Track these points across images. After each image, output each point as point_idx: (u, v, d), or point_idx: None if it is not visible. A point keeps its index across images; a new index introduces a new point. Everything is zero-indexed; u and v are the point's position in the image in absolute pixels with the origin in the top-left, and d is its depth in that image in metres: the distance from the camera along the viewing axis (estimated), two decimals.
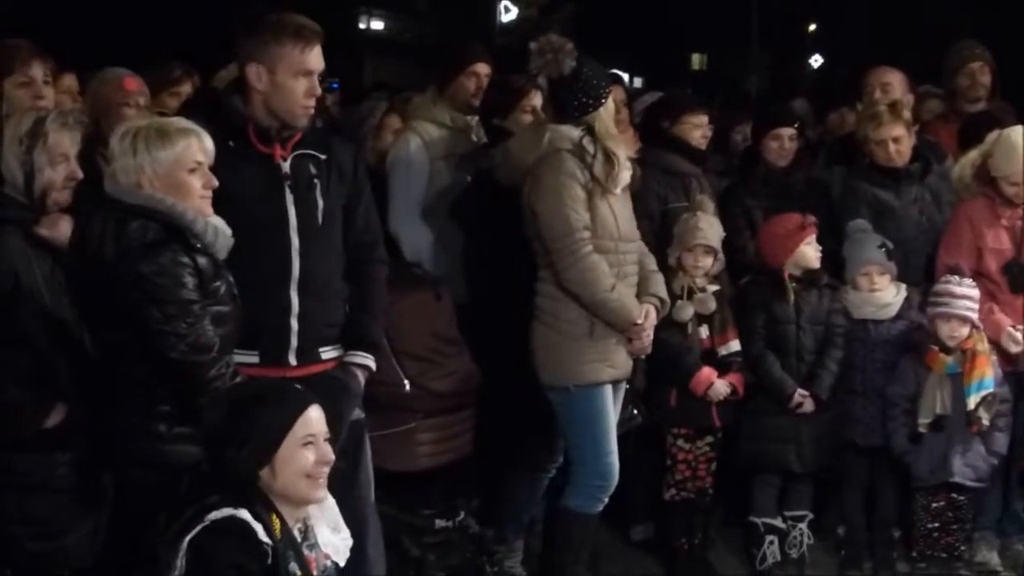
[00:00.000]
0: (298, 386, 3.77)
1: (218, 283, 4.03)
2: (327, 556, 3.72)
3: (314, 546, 3.68)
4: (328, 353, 4.61)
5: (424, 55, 11.34)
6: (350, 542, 3.82)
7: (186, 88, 6.16)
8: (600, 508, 5.41)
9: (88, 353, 4.13)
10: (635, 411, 5.59)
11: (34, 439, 4.11)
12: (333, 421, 3.73)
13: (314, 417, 3.59)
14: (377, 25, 12.28)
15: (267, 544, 3.41)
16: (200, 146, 4.04)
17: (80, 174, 4.26)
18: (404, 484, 5.46)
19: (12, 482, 4.12)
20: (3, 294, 4.09)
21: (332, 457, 3.61)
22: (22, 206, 4.16)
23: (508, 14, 12.47)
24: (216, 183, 4.04)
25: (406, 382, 5.34)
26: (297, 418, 3.55)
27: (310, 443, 3.56)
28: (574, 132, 5.18)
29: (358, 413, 4.67)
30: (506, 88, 5.85)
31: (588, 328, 5.21)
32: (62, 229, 4.24)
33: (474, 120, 6.11)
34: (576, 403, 5.24)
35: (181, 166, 4.00)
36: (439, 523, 5.62)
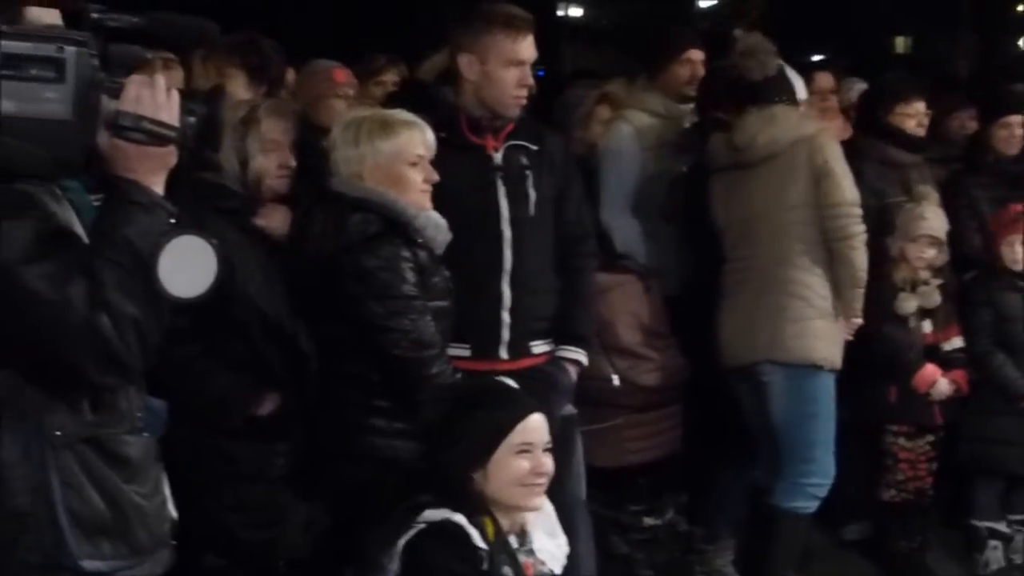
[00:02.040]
0: (520, 391, 3.68)
1: (436, 278, 4.01)
2: (542, 562, 3.63)
3: (530, 552, 3.60)
4: (539, 347, 4.55)
5: (622, 42, 11.21)
6: (567, 549, 3.72)
7: (390, 78, 6.16)
8: (814, 507, 5.27)
9: (301, 345, 4.13)
10: None
11: (249, 428, 4.12)
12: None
13: (534, 425, 3.48)
14: (575, 12, 12.22)
15: (482, 549, 3.34)
16: (422, 139, 4.01)
17: (293, 162, 4.26)
18: (611, 480, 5.38)
19: (228, 471, 4.13)
20: (218, 283, 4.10)
21: (550, 468, 3.50)
22: (239, 196, 4.17)
23: (706, 0, 12.28)
24: (436, 177, 4.01)
25: (615, 377, 5.27)
26: (515, 425, 3.44)
27: (526, 451, 3.45)
28: None
29: (569, 409, 4.61)
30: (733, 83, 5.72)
31: (835, 308, 5.12)
32: (278, 220, 4.25)
33: (687, 108, 5.99)
34: (814, 387, 5.12)
35: (403, 159, 3.98)
36: (647, 520, 5.54)
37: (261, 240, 4.20)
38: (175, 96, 2.45)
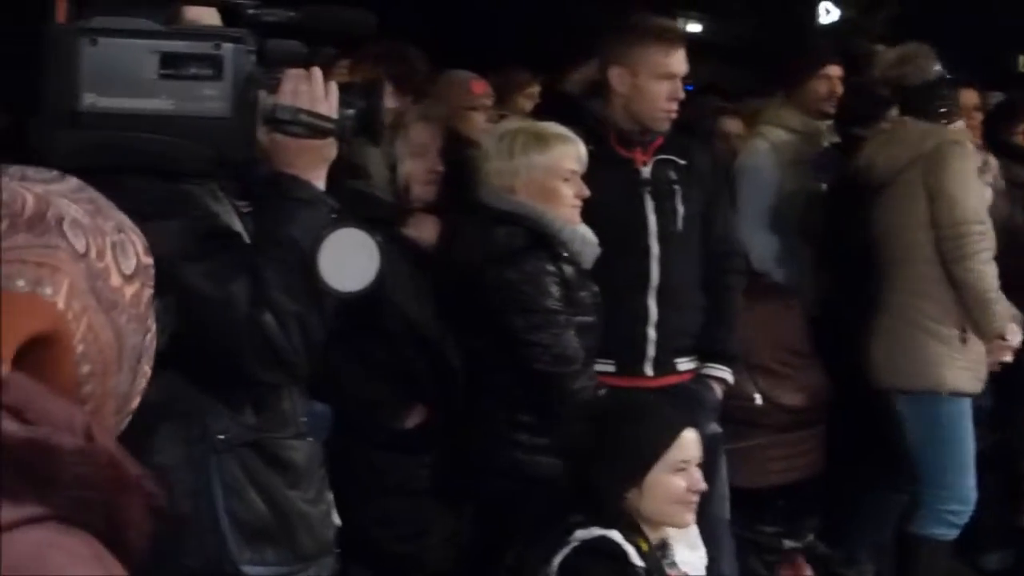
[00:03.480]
0: (672, 407, 3.64)
1: (583, 293, 3.98)
2: (685, 575, 3.59)
3: (673, 564, 3.56)
4: (684, 364, 4.50)
5: (741, 57, 11.12)
6: (706, 560, 3.68)
7: (535, 90, 6.15)
8: (954, 535, 5.16)
9: (448, 357, 4.12)
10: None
11: (395, 439, 4.11)
12: None
13: (689, 441, 3.43)
14: (694, 28, 12.12)
15: (640, 567, 3.30)
16: (576, 154, 3.98)
17: (441, 167, 4.24)
18: (749, 500, 5.31)
19: (373, 482, 4.13)
20: (368, 293, 4.10)
21: (704, 485, 3.45)
22: (389, 205, 4.16)
23: (828, 15, 12.12)
24: (587, 193, 3.98)
25: (757, 396, 5.20)
26: (671, 442, 3.39)
27: (682, 469, 3.40)
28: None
29: (714, 427, 4.55)
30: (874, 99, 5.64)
31: (959, 331, 4.98)
32: (428, 230, 4.24)
33: (825, 125, 5.92)
34: (939, 414, 5.00)
35: (557, 173, 3.95)
36: (786, 543, 5.45)
37: (411, 250, 4.19)
38: (333, 89, 2.44)
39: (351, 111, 2.44)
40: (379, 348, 4.12)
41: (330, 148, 2.45)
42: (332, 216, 2.44)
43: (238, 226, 2.51)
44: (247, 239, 2.48)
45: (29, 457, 1.14)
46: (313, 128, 2.37)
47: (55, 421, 1.18)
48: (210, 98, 2.26)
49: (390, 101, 4.75)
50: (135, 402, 1.40)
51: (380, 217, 4.13)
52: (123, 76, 2.22)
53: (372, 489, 4.13)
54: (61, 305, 1.26)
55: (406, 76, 4.92)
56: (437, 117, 4.46)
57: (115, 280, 1.33)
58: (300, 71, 2.39)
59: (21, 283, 1.24)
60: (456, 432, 4.09)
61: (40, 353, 1.25)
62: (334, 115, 2.40)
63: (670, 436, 3.40)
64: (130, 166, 2.28)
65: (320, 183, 2.46)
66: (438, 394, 4.13)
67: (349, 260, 2.35)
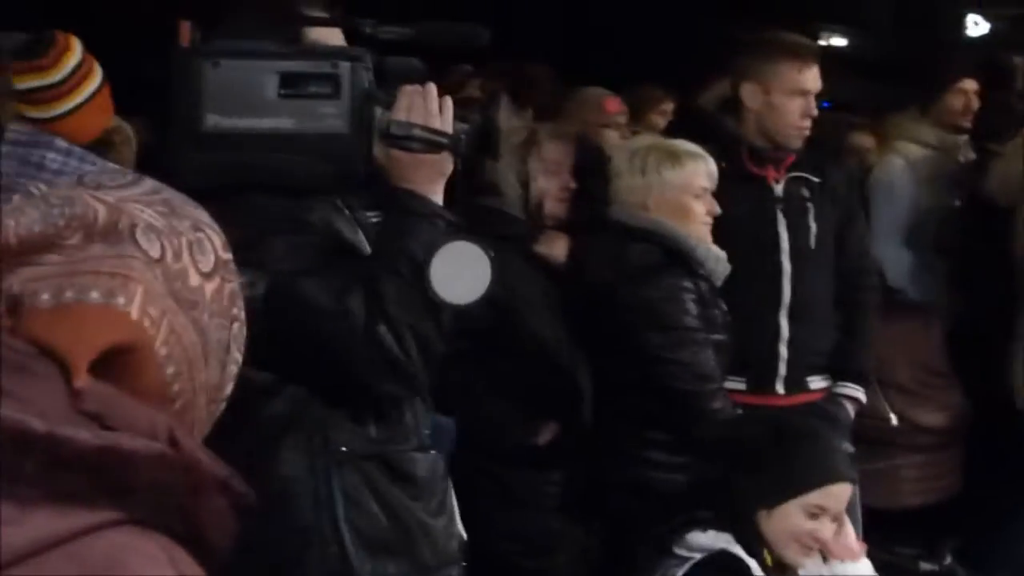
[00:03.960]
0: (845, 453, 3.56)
1: (715, 311, 3.96)
2: None
3: None
4: (816, 383, 4.45)
5: (886, 72, 10.94)
6: None
7: (669, 107, 6.15)
8: None
9: (578, 374, 4.12)
10: None
11: (526, 455, 4.13)
12: None
13: (836, 494, 3.31)
14: (839, 42, 11.96)
15: None
16: (707, 171, 3.97)
17: (573, 185, 4.26)
18: (886, 522, 5.23)
19: (502, 497, 4.15)
20: (499, 310, 4.13)
21: (828, 539, 3.36)
22: (521, 222, 4.19)
23: (976, 28, 11.88)
24: (719, 210, 3.96)
25: (892, 416, 5.13)
26: (821, 486, 3.33)
27: (816, 515, 3.34)
28: None
29: (846, 447, 4.48)
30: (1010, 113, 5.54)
31: None
32: (559, 248, 4.26)
33: (962, 140, 5.81)
34: None
35: (688, 190, 3.94)
36: (923, 566, 5.36)
37: (543, 268, 4.20)
38: (448, 103, 2.47)
39: (466, 126, 2.46)
40: (511, 365, 4.13)
41: (446, 163, 2.48)
42: (449, 229, 2.46)
43: (362, 239, 2.55)
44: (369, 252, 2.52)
45: (104, 463, 1.17)
46: (428, 143, 2.40)
47: (136, 427, 1.21)
48: (328, 116, 2.30)
49: (511, 117, 4.79)
50: (228, 389, 1.41)
51: (512, 234, 4.17)
52: (244, 97, 2.28)
53: (501, 504, 4.15)
54: (135, 314, 1.27)
55: (529, 92, 4.95)
56: (570, 135, 4.48)
57: (194, 279, 1.34)
58: (415, 87, 2.43)
59: (95, 295, 1.25)
60: (586, 449, 4.10)
61: (121, 361, 1.27)
62: (449, 129, 2.43)
63: (822, 479, 3.33)
64: (252, 184, 2.34)
65: (436, 197, 2.48)
66: (569, 411, 4.14)
67: (461, 272, 2.38)
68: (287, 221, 2.40)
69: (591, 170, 4.51)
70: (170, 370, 1.31)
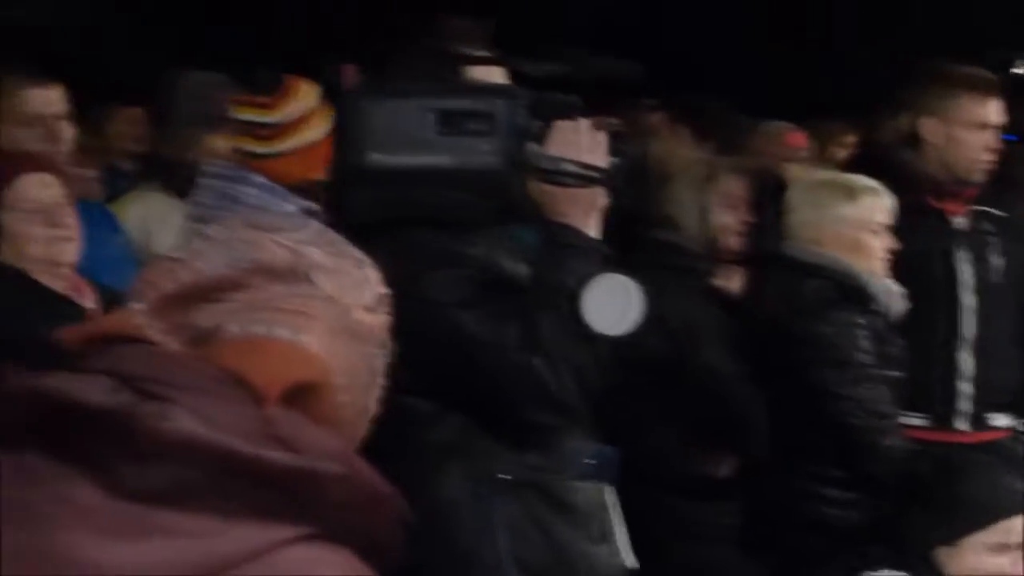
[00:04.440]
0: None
1: (891, 347, 3.92)
2: None
3: None
4: (999, 420, 4.36)
5: None
6: None
7: (850, 140, 6.09)
8: None
9: (753, 408, 4.11)
10: None
11: (701, 488, 4.13)
12: None
13: (1017, 528, 3.25)
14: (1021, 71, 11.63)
15: None
16: (884, 206, 3.94)
17: (752, 220, 4.26)
18: None
19: (678, 530, 4.15)
20: (674, 342, 4.15)
21: (1014, 573, 3.30)
22: (699, 256, 4.20)
23: None
24: (896, 246, 3.93)
25: None
26: (1000, 520, 3.25)
27: (999, 551, 3.27)
28: None
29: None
30: None
31: None
32: (735, 281, 4.26)
33: None
34: None
35: (864, 226, 3.91)
36: None
37: (718, 301, 4.21)
38: (601, 138, 2.51)
39: (620, 160, 2.51)
40: (686, 397, 4.14)
41: (599, 196, 2.53)
42: (602, 262, 2.51)
43: (523, 272, 2.61)
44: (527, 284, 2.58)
45: (296, 483, 1.29)
46: (580, 177, 2.46)
47: (319, 450, 1.33)
48: (485, 152, 2.38)
49: (691, 151, 4.82)
50: (378, 409, 1.52)
51: (688, 268, 4.19)
52: (405, 135, 2.37)
53: (676, 536, 4.15)
54: (318, 350, 1.39)
55: (710, 126, 4.97)
56: (750, 169, 4.48)
57: (360, 314, 1.46)
58: (569, 122, 2.48)
59: (280, 331, 1.38)
60: (761, 483, 4.08)
61: (305, 391, 1.39)
62: (602, 164, 2.48)
63: (1001, 512, 3.27)
64: (413, 220, 2.42)
65: (590, 230, 2.54)
66: (745, 444, 4.13)
67: (614, 304, 2.42)
68: (446, 255, 2.48)
69: (769, 204, 4.51)
70: (343, 398, 1.43)
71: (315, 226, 1.50)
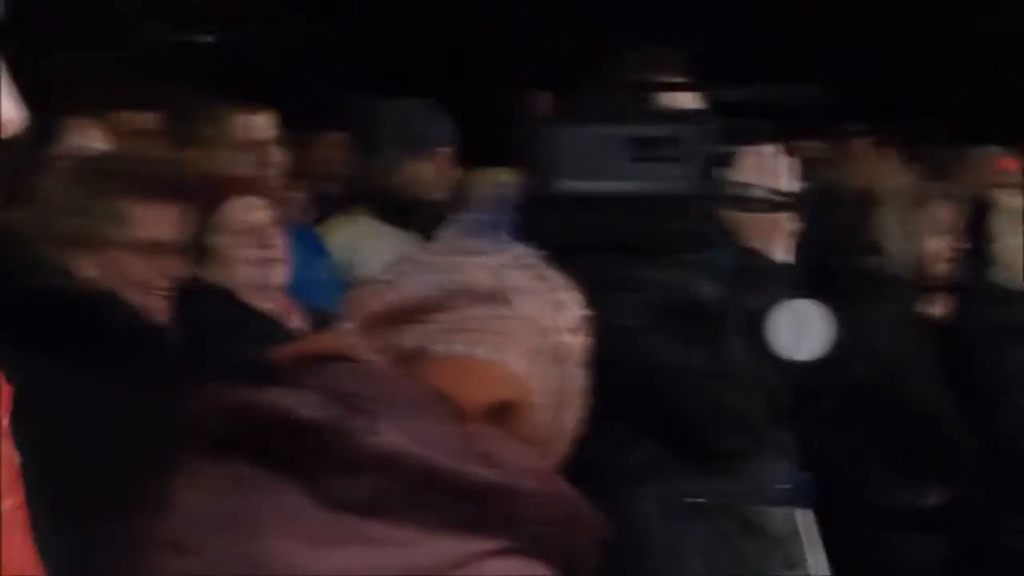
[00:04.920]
0: None
1: None
2: None
3: None
4: None
5: None
6: None
7: None
8: None
9: (960, 436, 4.04)
10: None
11: (907, 517, 4.06)
12: None
13: None
14: None
15: None
16: None
17: (960, 246, 4.18)
18: None
19: (884, 559, 4.09)
20: (877, 368, 4.10)
21: None
22: (905, 283, 4.15)
23: None
24: None
25: None
26: None
27: None
28: None
29: None
30: None
31: None
32: (940, 307, 4.18)
33: None
34: None
35: None
36: None
37: (927, 328, 4.14)
38: (790, 164, 2.51)
39: (808, 185, 2.51)
40: (890, 424, 4.09)
41: (787, 221, 2.53)
42: (791, 287, 2.51)
43: (713, 297, 2.63)
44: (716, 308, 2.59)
45: (494, 498, 1.34)
46: (768, 203, 2.46)
47: (519, 467, 1.37)
48: (674, 178, 2.40)
49: (899, 176, 4.75)
50: (576, 431, 1.54)
51: (893, 294, 4.13)
52: (596, 161, 2.41)
53: (882, 566, 4.10)
54: (518, 370, 1.44)
55: (920, 151, 4.89)
56: (962, 195, 4.40)
57: (562, 335, 1.49)
58: (757, 148, 2.49)
59: (481, 351, 1.43)
60: (972, 513, 4.01)
61: (505, 409, 1.44)
62: (790, 189, 2.48)
63: None
64: (604, 245, 2.46)
65: (778, 255, 2.54)
66: (952, 473, 4.06)
67: (802, 329, 2.42)
68: (635, 280, 2.51)
69: (978, 230, 4.42)
70: (542, 417, 1.47)
71: (517, 250, 1.55)
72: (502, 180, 3.71)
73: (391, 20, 6.05)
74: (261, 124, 3.93)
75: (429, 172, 4.25)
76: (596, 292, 2.51)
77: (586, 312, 1.55)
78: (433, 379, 1.41)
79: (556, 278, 1.54)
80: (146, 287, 2.87)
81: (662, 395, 2.49)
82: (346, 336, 1.47)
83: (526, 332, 1.45)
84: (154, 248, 2.87)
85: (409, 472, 1.32)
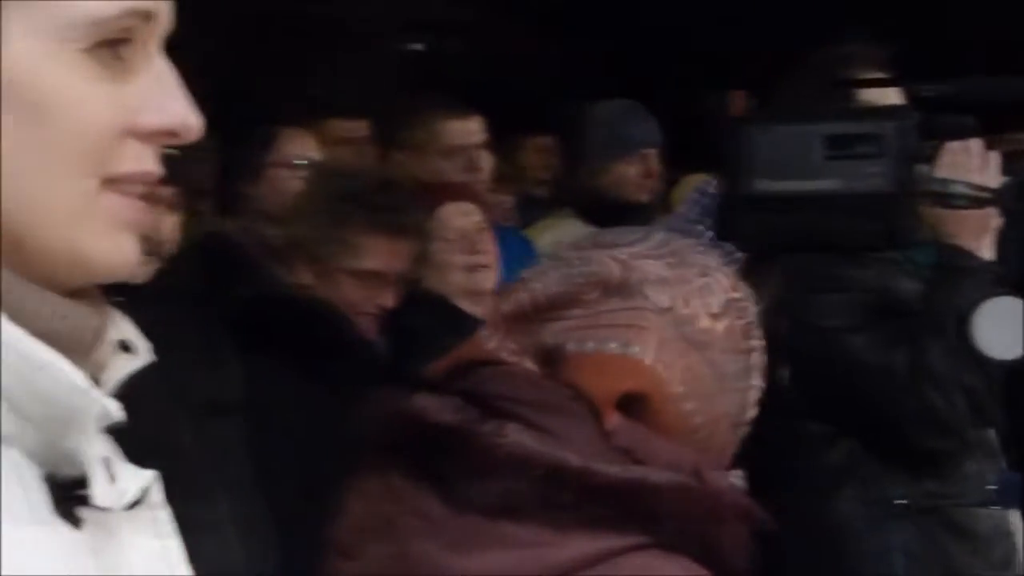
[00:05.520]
0: None
1: None
2: None
3: None
4: None
5: None
6: None
7: None
8: None
9: None
10: None
11: None
12: None
13: None
14: None
15: None
16: None
17: None
18: None
19: None
20: None
21: None
22: None
23: None
24: None
25: None
26: None
27: None
28: None
29: None
30: None
31: None
32: None
33: None
34: None
35: None
36: None
37: None
38: (993, 158, 2.45)
39: (1012, 180, 2.46)
40: None
41: (991, 218, 2.48)
42: (995, 285, 2.46)
43: (918, 295, 2.59)
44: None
45: (631, 494, 1.34)
46: (971, 199, 2.41)
47: (662, 461, 1.38)
48: (873, 175, 2.36)
49: None
50: (750, 413, 1.52)
51: None
52: (792, 160, 2.39)
53: None
54: (649, 361, 1.43)
55: None
56: None
57: (704, 321, 1.46)
58: (959, 143, 2.45)
59: (613, 345, 1.43)
60: None
61: (642, 401, 1.43)
62: (994, 185, 2.43)
63: None
64: (802, 245, 2.44)
65: (983, 252, 2.49)
66: None
67: (1007, 327, 2.36)
68: (836, 279, 2.49)
69: None
70: (688, 406, 1.44)
71: (658, 238, 1.53)
72: (704, 182, 3.69)
73: (595, 24, 6.06)
74: (471, 129, 3.95)
75: (635, 174, 4.26)
76: (796, 293, 2.52)
77: (741, 293, 1.50)
78: (570, 377, 1.41)
79: (703, 262, 1.51)
80: (358, 309, 2.94)
81: (865, 395, 2.46)
82: (491, 340, 1.48)
83: (659, 322, 1.43)
84: (373, 277, 2.93)
85: (538, 472, 1.33)
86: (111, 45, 0.91)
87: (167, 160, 0.96)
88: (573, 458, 1.34)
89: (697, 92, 3.70)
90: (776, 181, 2.40)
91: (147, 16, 0.92)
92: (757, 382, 1.52)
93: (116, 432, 0.97)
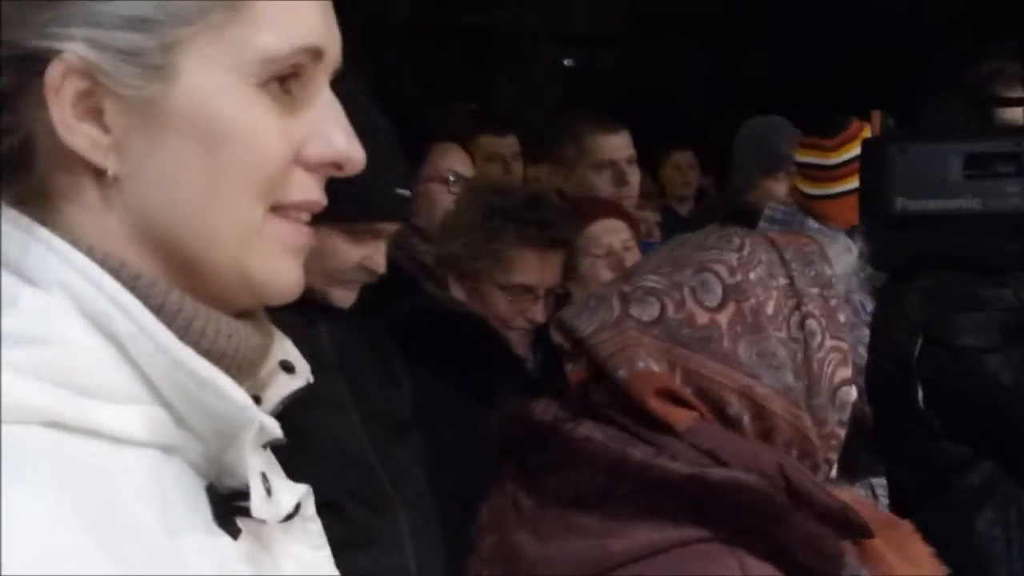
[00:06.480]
0: None
1: None
2: None
3: None
4: None
5: None
6: None
7: None
8: None
9: None
10: None
11: None
12: None
13: None
14: None
15: None
16: None
17: None
18: None
19: None
20: None
21: None
22: None
23: None
24: None
25: None
26: None
27: None
28: None
29: None
30: None
31: None
32: None
33: None
34: None
35: None
36: None
37: None
38: None
39: None
40: None
41: None
42: None
43: None
44: None
45: (690, 489, 1.40)
46: None
47: (742, 460, 1.42)
48: (1013, 194, 2.35)
49: None
50: (826, 382, 1.51)
51: None
52: (930, 179, 2.39)
53: None
54: (657, 369, 1.47)
55: None
56: None
57: (701, 318, 1.48)
58: None
59: (622, 372, 1.47)
60: None
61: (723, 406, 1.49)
62: None
63: None
64: (940, 264, 2.43)
65: None
66: None
67: None
68: (973, 299, 2.47)
69: None
70: (774, 405, 1.48)
71: (663, 250, 1.60)
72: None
73: (744, 41, 6.06)
74: (620, 144, 3.97)
75: (782, 189, 4.25)
76: (934, 312, 2.51)
77: (737, 277, 1.50)
78: (636, 387, 1.46)
79: (698, 259, 1.52)
80: (509, 324, 2.99)
81: (1001, 416, 2.44)
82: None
83: (646, 337, 1.48)
84: (524, 292, 2.97)
85: (602, 465, 1.41)
86: (281, 80, 0.95)
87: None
88: (635, 453, 1.41)
89: (844, 110, 3.68)
90: (915, 200, 2.40)
91: (317, 54, 0.97)
92: (822, 354, 1.51)
93: (294, 448, 1.03)
